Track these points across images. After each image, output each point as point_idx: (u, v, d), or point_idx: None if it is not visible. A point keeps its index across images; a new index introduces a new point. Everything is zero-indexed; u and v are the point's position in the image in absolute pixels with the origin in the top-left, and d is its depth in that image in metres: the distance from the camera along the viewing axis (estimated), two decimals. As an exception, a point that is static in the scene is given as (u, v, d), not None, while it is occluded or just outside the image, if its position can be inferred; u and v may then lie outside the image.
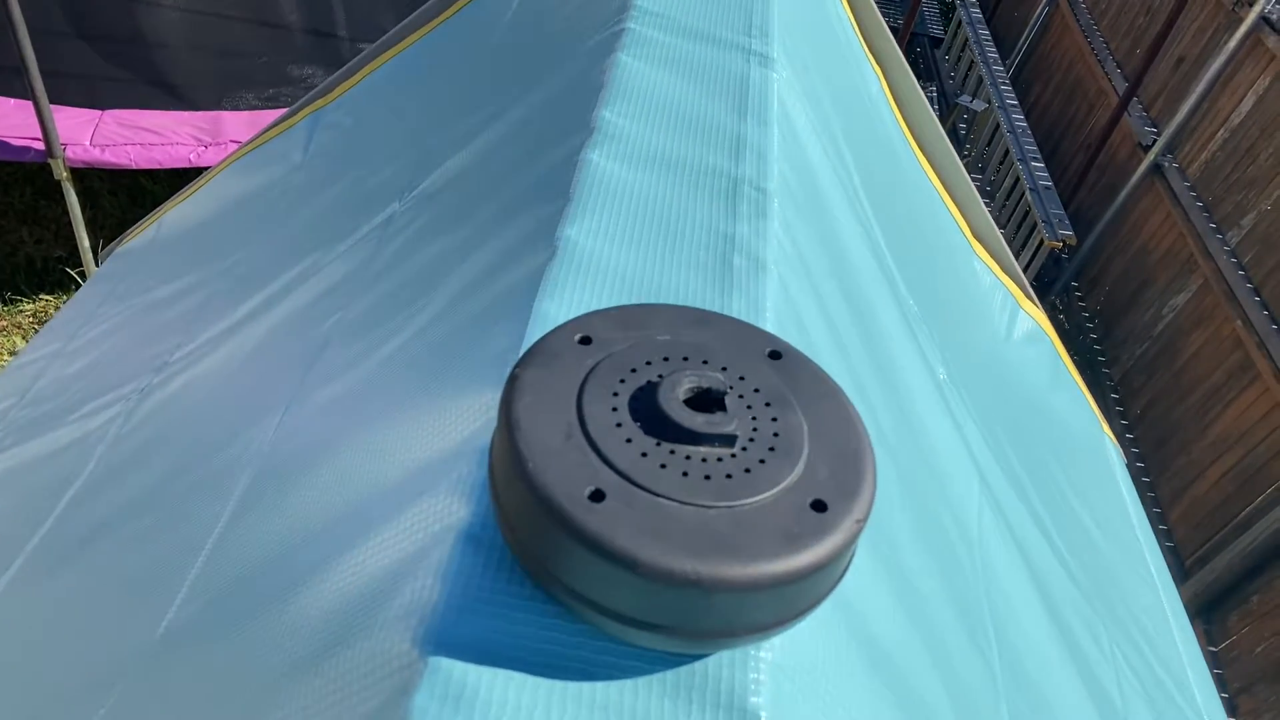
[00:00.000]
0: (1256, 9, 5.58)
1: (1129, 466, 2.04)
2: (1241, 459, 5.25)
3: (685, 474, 0.41)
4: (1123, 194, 6.50)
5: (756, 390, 0.46)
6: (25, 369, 1.62)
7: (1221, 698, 5.22)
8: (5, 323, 5.61)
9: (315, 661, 0.45)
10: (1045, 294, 6.84)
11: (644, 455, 0.42)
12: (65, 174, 4.95)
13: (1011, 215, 6.55)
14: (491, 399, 0.51)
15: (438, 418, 0.54)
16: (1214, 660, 5.08)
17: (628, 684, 0.40)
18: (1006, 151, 6.79)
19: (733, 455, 0.42)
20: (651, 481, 0.40)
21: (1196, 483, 5.53)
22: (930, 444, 0.85)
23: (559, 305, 0.55)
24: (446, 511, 0.46)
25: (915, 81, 1.68)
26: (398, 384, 0.64)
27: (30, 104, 4.80)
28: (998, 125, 6.96)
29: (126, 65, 6.01)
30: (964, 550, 0.80)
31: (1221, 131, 5.91)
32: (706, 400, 0.44)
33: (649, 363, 0.45)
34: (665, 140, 0.73)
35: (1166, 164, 6.23)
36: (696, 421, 0.43)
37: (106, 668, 0.64)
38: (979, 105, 6.82)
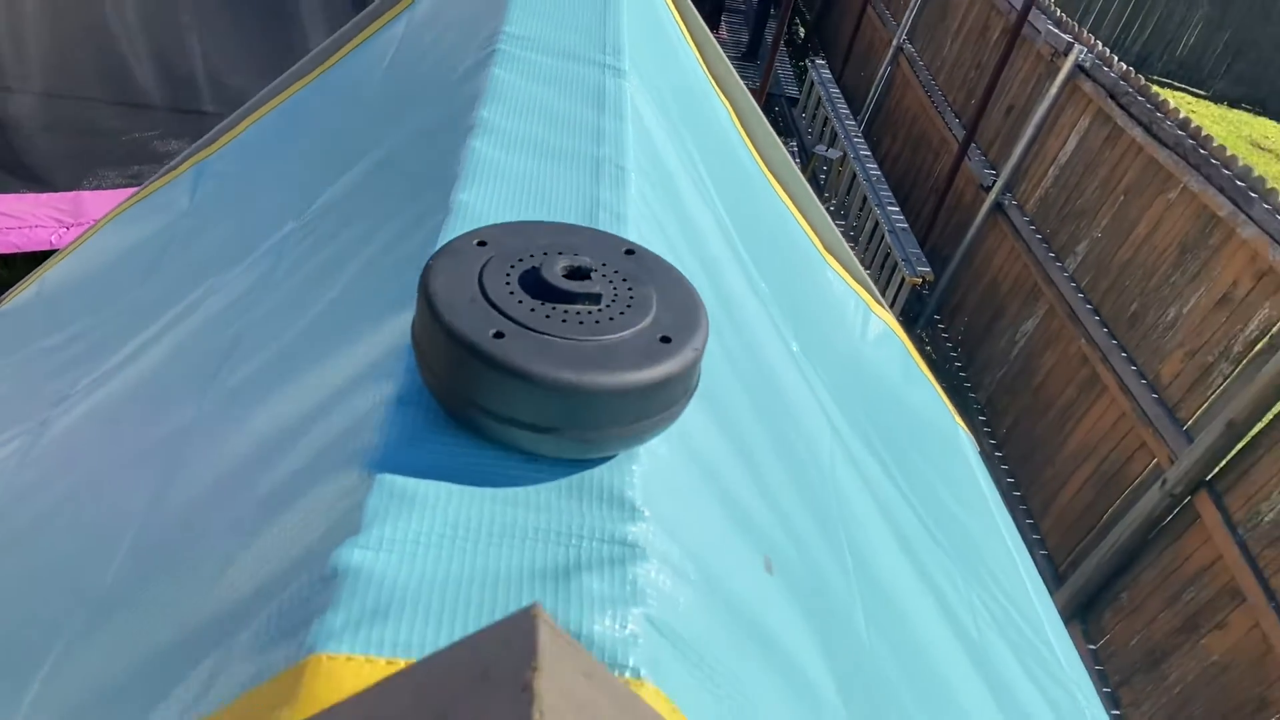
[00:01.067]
0: (1071, 58, 6.20)
1: (999, 483, 2.24)
2: (1098, 466, 5.66)
3: (564, 321, 0.53)
4: (970, 231, 7.03)
5: (616, 272, 0.58)
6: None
7: (1103, 693, 5.53)
8: None
9: (278, 511, 0.53)
10: (911, 328, 7.26)
11: (532, 311, 0.54)
12: (-83, 261, 4.73)
13: (874, 257, 6.97)
14: (403, 321, 0.61)
15: (359, 345, 0.64)
16: (1094, 658, 5.40)
17: (534, 486, 0.51)
18: (864, 198, 7.25)
19: (599, 309, 0.55)
20: (538, 325, 0.53)
21: (1061, 492, 5.92)
22: (779, 383, 0.99)
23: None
24: (377, 392, 0.56)
25: (764, 118, 1.88)
26: (317, 343, 0.73)
27: (-125, 192, 4.62)
28: (854, 175, 7.44)
29: (-20, 150, 5.82)
30: (815, 472, 0.93)
31: (1052, 169, 6.49)
32: (578, 274, 0.57)
33: (532, 255, 0.58)
34: (537, 131, 0.86)
35: (1006, 202, 6.78)
36: (570, 285, 0.55)
37: (47, 627, 0.69)
38: (834, 154, 7.28)
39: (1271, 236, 4.57)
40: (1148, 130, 5.55)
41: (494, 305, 0.53)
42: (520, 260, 0.57)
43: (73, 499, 0.94)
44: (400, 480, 0.49)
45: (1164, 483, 4.93)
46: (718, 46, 1.77)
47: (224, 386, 0.83)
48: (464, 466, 0.51)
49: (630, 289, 0.57)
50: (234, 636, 0.46)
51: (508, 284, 0.55)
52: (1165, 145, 5.40)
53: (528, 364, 0.49)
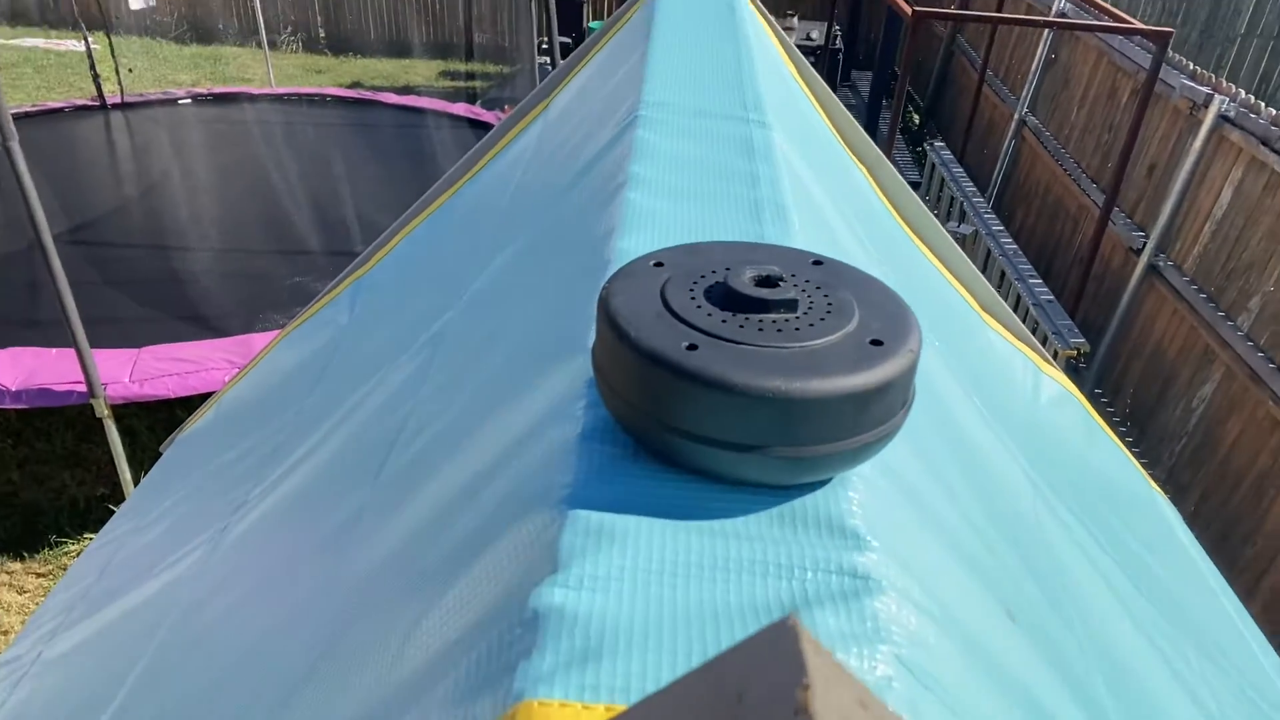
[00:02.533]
0: (1213, 109, 5.91)
1: None
2: (1308, 540, 5.09)
3: (760, 330, 0.49)
4: (1125, 298, 6.65)
5: (808, 280, 0.54)
6: (100, 551, 1.68)
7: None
8: (51, 566, 5.68)
9: (463, 566, 0.50)
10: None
11: (723, 322, 0.49)
12: (106, 411, 5.15)
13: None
14: (576, 365, 0.58)
15: (531, 395, 0.61)
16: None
17: (739, 518, 0.45)
18: (1003, 274, 7.00)
19: (796, 317, 0.50)
20: (733, 335, 0.48)
21: (1270, 572, 5.33)
22: (968, 432, 0.90)
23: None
24: (558, 434, 0.52)
25: (902, 179, 1.82)
26: (486, 406, 0.71)
27: (71, 351, 5.08)
28: (989, 252, 7.21)
29: (160, 304, 6.40)
30: (1023, 529, 0.83)
31: (1208, 225, 6.11)
32: (768, 282, 0.52)
33: (714, 271, 0.54)
34: (690, 181, 0.84)
35: (1161, 263, 6.40)
36: (762, 293, 0.50)
37: None
38: (966, 229, 7.11)
39: None
40: (1312, 172, 5.18)
41: (681, 319, 0.49)
42: (703, 276, 0.53)
43: (250, 599, 0.94)
44: (595, 515, 0.45)
45: (1393, 553, 4.36)
46: (845, 110, 1.74)
47: (394, 468, 0.82)
48: (662, 499, 0.47)
49: (826, 296, 0.52)
50: (429, 693, 0.42)
51: (693, 298, 0.51)
52: (1335, 186, 5.01)
53: (727, 374, 0.45)
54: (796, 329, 0.49)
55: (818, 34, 10.34)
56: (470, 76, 12.21)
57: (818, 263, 0.56)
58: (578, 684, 0.35)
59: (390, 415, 0.96)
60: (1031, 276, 6.88)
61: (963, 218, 7.67)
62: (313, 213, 7.20)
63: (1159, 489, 1.95)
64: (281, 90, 9.90)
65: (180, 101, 9.27)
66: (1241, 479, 5.60)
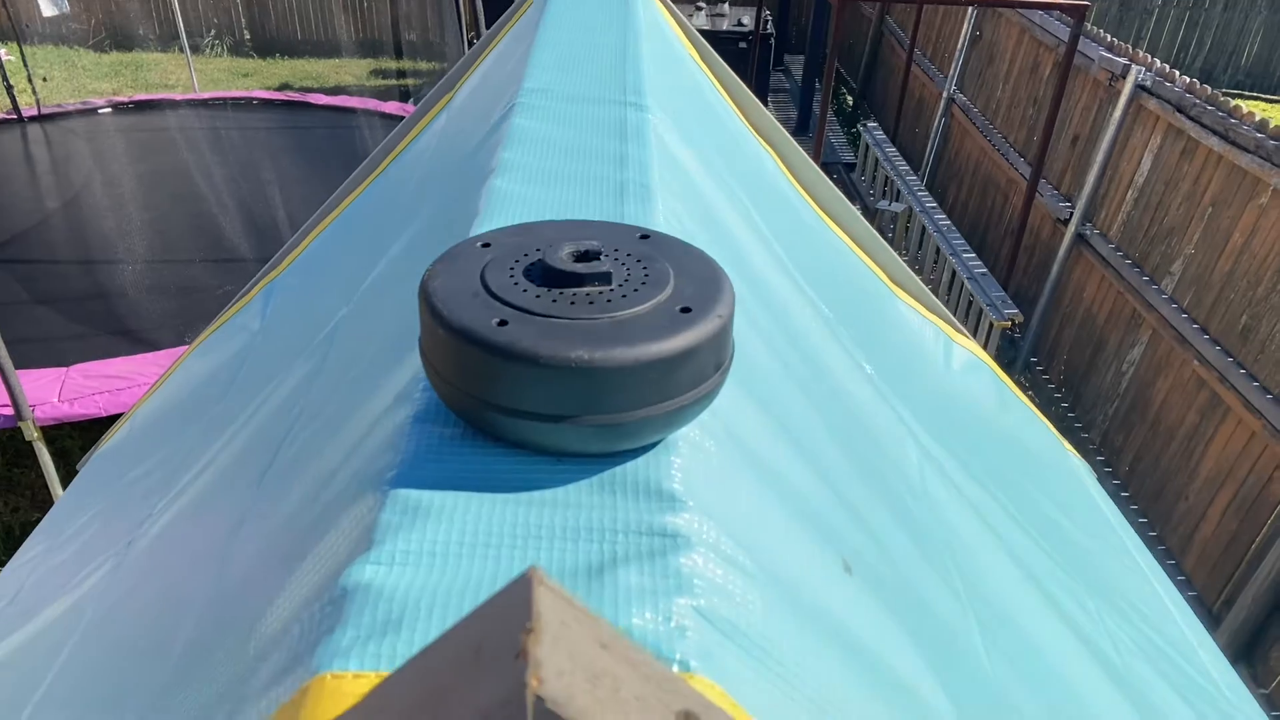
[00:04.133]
0: (1130, 79, 6.06)
1: (1129, 524, 2.07)
2: (1236, 492, 5.27)
3: (572, 303, 0.49)
4: (1054, 267, 6.81)
5: (629, 254, 0.55)
6: (15, 573, 1.64)
7: (1286, 741, 4.98)
8: (-12, 594, 5.50)
9: (303, 555, 0.50)
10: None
11: (537, 298, 0.50)
12: (36, 433, 5.01)
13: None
14: (415, 362, 0.59)
15: (388, 382, 0.61)
16: (1266, 704, 4.90)
17: (559, 487, 0.46)
18: (938, 250, 7.12)
19: (611, 289, 0.51)
20: (545, 309, 0.49)
21: (1201, 525, 5.51)
22: (851, 399, 0.92)
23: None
24: (396, 417, 0.53)
25: (816, 166, 1.85)
26: (355, 399, 0.71)
27: (-6, 374, 4.93)
28: (923, 229, 7.33)
29: (87, 320, 6.23)
30: (904, 489, 0.85)
31: (1130, 192, 6.27)
32: (586, 257, 0.53)
33: (538, 250, 0.54)
34: (558, 164, 0.84)
35: (1088, 232, 6.56)
36: (577, 268, 0.51)
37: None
38: (898, 207, 7.21)
39: (1383, 223, 4.29)
40: (1224, 138, 5.34)
41: (497, 297, 0.50)
42: (525, 255, 0.54)
43: (145, 614, 0.93)
44: (415, 494, 0.45)
45: (1314, 501, 4.54)
46: (756, 101, 1.76)
47: (277, 468, 0.81)
48: (486, 474, 0.47)
49: (645, 267, 0.53)
50: (253, 679, 0.42)
51: (511, 277, 0.52)
52: (1246, 150, 5.18)
53: (534, 346, 0.45)
54: (609, 301, 0.50)
55: (748, 19, 10.40)
56: (401, 74, 12.04)
57: (644, 237, 0.57)
58: (374, 655, 0.36)
59: (280, 420, 0.96)
60: (965, 251, 7.01)
61: (896, 196, 7.78)
62: (243, 219, 7.06)
63: (1073, 450, 2.01)
64: (206, 95, 9.68)
65: (100, 111, 9.01)
66: (1172, 437, 5.78)
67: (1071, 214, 6.70)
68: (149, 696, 0.67)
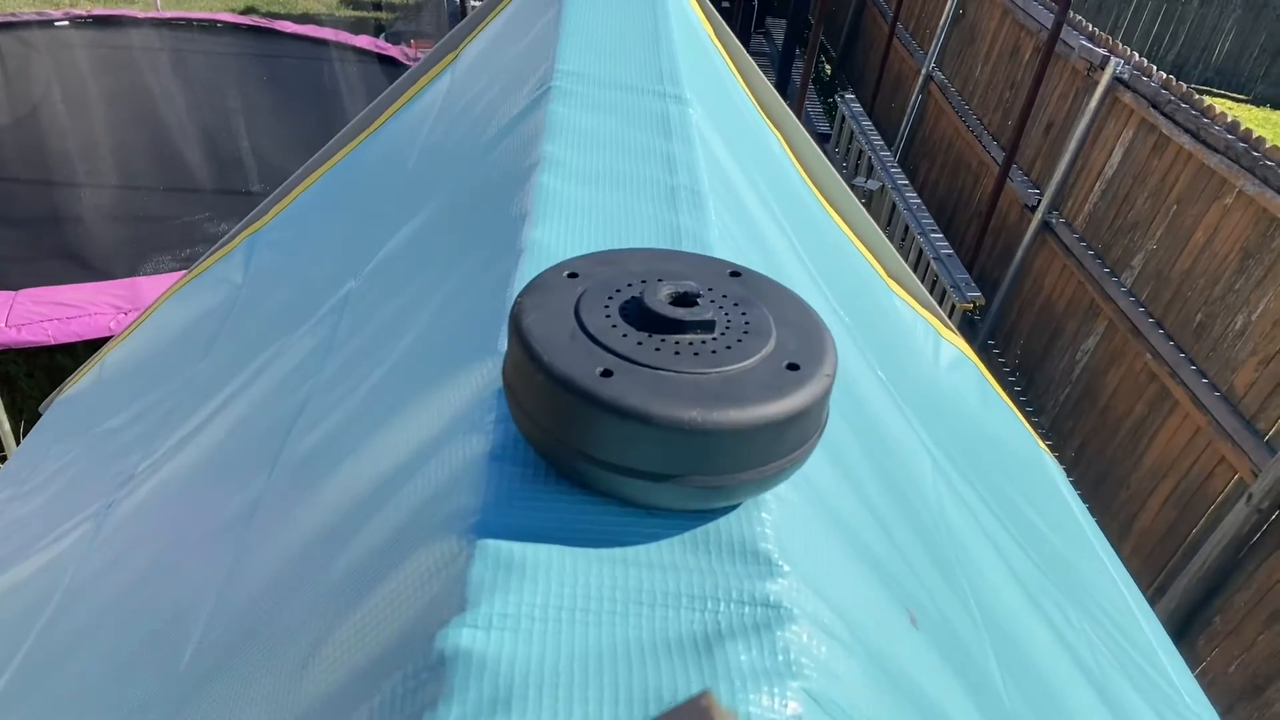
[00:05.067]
0: (1108, 71, 6.10)
1: None
2: (1177, 485, 5.43)
3: (677, 353, 0.48)
4: (1019, 253, 6.89)
5: (725, 296, 0.53)
6: (-25, 519, 1.59)
7: (1206, 723, 5.21)
8: (-76, 519, 5.37)
9: (366, 588, 0.48)
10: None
11: (639, 344, 0.48)
12: (-18, 356, 4.85)
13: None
14: (487, 369, 0.56)
15: (439, 396, 0.59)
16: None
17: (653, 544, 0.45)
18: (906, 228, 7.16)
19: (713, 338, 0.49)
20: (649, 359, 0.47)
21: (1141, 514, 5.69)
22: (877, 416, 0.92)
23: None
24: (467, 448, 0.51)
25: (816, 146, 1.83)
26: (392, 399, 0.69)
27: (-59, 296, 4.76)
28: (894, 205, 7.36)
29: (38, 245, 6.02)
30: (926, 513, 0.86)
31: (1098, 184, 6.35)
32: (684, 300, 0.51)
33: (629, 284, 0.52)
34: (605, 162, 0.81)
35: (1054, 220, 6.64)
36: (679, 313, 0.49)
37: (127, 714, 0.65)
38: (873, 184, 7.23)
39: (1341, 233, 4.40)
40: (1195, 137, 5.41)
41: (596, 341, 0.47)
42: (618, 291, 0.52)
43: (144, 583, 0.90)
44: (504, 545, 0.43)
45: (1249, 498, 4.70)
46: (764, 77, 1.73)
47: (294, 454, 0.79)
48: (573, 525, 0.46)
49: (744, 314, 0.51)
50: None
51: (608, 317, 0.50)
52: (1215, 150, 5.26)
53: (644, 404, 0.44)
54: (713, 351, 0.48)
55: (732, -22, 10.25)
56: (378, 6, 11.67)
57: (735, 274, 0.55)
58: (487, 736, 0.35)
59: (290, 394, 0.92)
60: (933, 231, 7.06)
61: (870, 172, 7.79)
62: (204, 149, 6.83)
63: (1047, 449, 2.05)
64: (169, 14, 9.30)
65: (57, 24, 8.61)
66: (1119, 427, 5.94)
67: (1039, 201, 6.77)
68: (157, 694, 0.65)
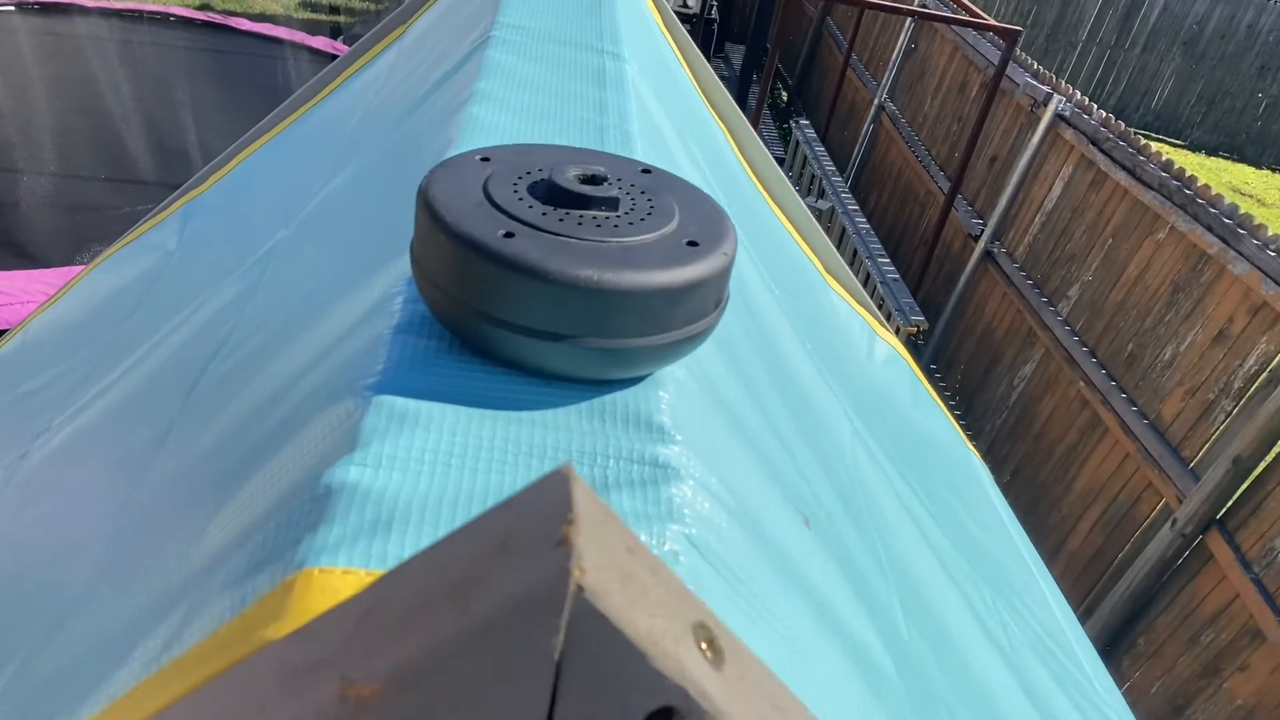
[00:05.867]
0: (1051, 108, 6.30)
1: None
2: (1106, 509, 5.57)
3: (580, 224, 0.49)
4: (961, 280, 7.05)
5: (633, 185, 0.54)
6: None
7: (1127, 743, 5.32)
8: None
9: (267, 455, 0.48)
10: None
11: (543, 215, 0.49)
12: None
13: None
14: (399, 266, 0.56)
15: (353, 298, 0.59)
16: (1115, 707, 5.23)
17: (549, 410, 0.45)
18: (855, 251, 7.29)
19: (618, 215, 0.50)
20: (552, 227, 0.48)
21: (1070, 537, 5.82)
22: (796, 370, 0.94)
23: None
24: (375, 328, 0.51)
25: (760, 141, 1.86)
26: (309, 314, 0.68)
27: None
28: (844, 229, 7.49)
29: (-29, 229, 5.84)
30: (838, 460, 0.88)
31: (1038, 216, 6.54)
32: (592, 181, 0.52)
33: (540, 170, 0.53)
34: (537, 100, 0.82)
35: (995, 250, 6.81)
36: (584, 189, 0.50)
37: (17, 626, 0.63)
38: (824, 204, 7.35)
39: (1263, 271, 4.58)
40: (1131, 174, 5.61)
41: (501, 209, 0.48)
42: (528, 173, 0.53)
43: (49, 517, 0.88)
44: (400, 401, 0.44)
45: (1174, 523, 4.84)
46: (710, 70, 1.76)
47: (210, 380, 0.78)
48: (473, 389, 0.46)
49: (649, 200, 0.53)
50: (214, 574, 0.40)
51: (515, 192, 0.50)
52: (1150, 187, 5.45)
53: (542, 261, 0.44)
54: (615, 226, 0.49)
55: (694, 1, 10.39)
56: (335, 10, 11.58)
57: (646, 171, 0.57)
58: (363, 553, 0.35)
59: (209, 336, 0.91)
60: (881, 255, 7.20)
61: (821, 194, 7.93)
62: (150, 141, 6.70)
63: (974, 450, 2.09)
64: (120, 5, 9.13)
65: (2, 9, 8.41)
66: (1052, 452, 6.08)
67: (982, 231, 6.94)
68: (53, 605, 0.64)
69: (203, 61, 8.14)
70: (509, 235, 0.46)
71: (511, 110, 0.80)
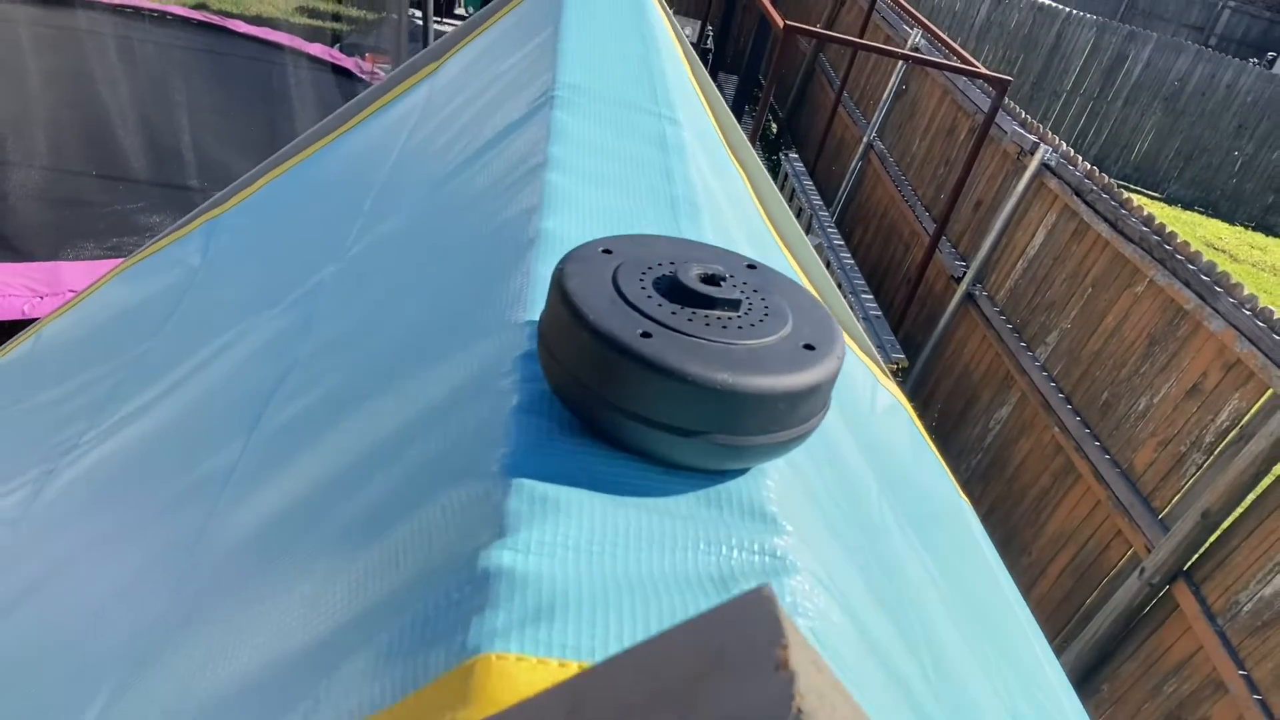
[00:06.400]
0: (1037, 157, 6.44)
1: None
2: (1076, 555, 5.66)
3: (707, 324, 0.52)
4: (942, 320, 7.16)
5: (745, 283, 0.57)
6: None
7: (1088, 788, 5.38)
8: None
9: (392, 523, 0.50)
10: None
11: (673, 314, 0.52)
12: (-115, 327, 4.62)
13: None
14: (504, 338, 0.59)
15: (452, 362, 0.62)
16: (1077, 751, 5.29)
17: (671, 497, 0.48)
18: (839, 286, 7.38)
19: (738, 316, 0.54)
20: (684, 327, 0.51)
21: (1040, 581, 5.90)
22: (831, 436, 0.97)
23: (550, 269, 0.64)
24: (494, 404, 0.54)
25: (775, 186, 1.91)
26: (392, 365, 0.71)
27: None
28: (829, 264, 7.59)
29: (-46, 219, 5.78)
30: (871, 527, 0.91)
31: (1020, 262, 6.66)
32: (712, 280, 0.55)
33: (660, 264, 0.57)
34: (607, 168, 0.86)
35: (977, 292, 6.93)
36: (709, 290, 0.54)
37: (95, 673, 0.64)
38: (811, 240, 7.43)
39: (1238, 329, 4.70)
40: (1113, 226, 5.74)
41: (634, 307, 0.52)
42: (650, 268, 0.56)
43: (98, 545, 0.89)
44: (537, 485, 0.46)
45: (1142, 572, 4.93)
46: (729, 111, 1.81)
47: (274, 422, 0.80)
48: (599, 475, 0.49)
49: (763, 299, 0.56)
50: (364, 647, 0.42)
51: (643, 288, 0.54)
52: (1131, 240, 5.58)
53: (681, 364, 0.48)
54: (739, 328, 0.53)
55: (691, 30, 10.52)
56: (336, 18, 11.57)
57: (751, 266, 0.60)
58: (532, 640, 0.38)
59: (264, 369, 0.93)
60: (865, 291, 7.29)
61: (808, 228, 8.02)
62: (143, 139, 6.66)
63: (968, 502, 2.14)
64: (117, 0, 9.09)
65: (-1, -3, 8.34)
66: (1025, 495, 6.17)
67: (965, 273, 7.06)
68: (131, 645, 0.65)
69: (198, 62, 8.11)
70: (646, 335, 0.49)
71: (586, 178, 0.83)
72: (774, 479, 0.53)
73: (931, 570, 1.20)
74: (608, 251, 0.57)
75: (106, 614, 0.72)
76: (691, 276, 0.55)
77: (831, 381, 0.53)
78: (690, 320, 0.52)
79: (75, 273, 5.50)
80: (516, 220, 0.76)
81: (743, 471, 0.53)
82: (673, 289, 0.54)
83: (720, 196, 1.02)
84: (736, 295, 0.55)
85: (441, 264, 0.83)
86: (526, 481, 0.46)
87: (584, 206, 0.78)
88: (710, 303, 0.54)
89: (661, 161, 0.91)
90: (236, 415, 0.87)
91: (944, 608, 1.08)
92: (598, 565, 0.43)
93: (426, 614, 0.41)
